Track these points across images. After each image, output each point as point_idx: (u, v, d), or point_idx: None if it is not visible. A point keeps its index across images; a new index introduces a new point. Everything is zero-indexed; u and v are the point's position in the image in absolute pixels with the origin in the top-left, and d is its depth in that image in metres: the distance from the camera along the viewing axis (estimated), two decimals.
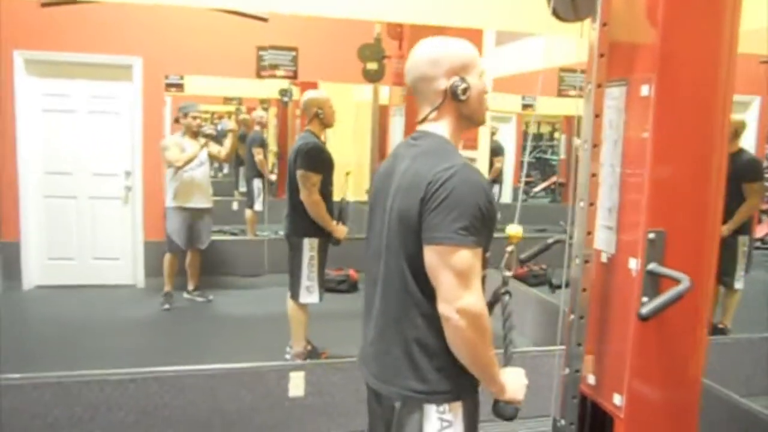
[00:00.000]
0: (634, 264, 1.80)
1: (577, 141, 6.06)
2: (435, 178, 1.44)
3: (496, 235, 1.52)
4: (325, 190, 3.80)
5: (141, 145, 5.78)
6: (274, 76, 5.91)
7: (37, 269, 5.70)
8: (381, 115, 6.11)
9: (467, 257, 1.40)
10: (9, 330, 4.45)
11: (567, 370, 1.88)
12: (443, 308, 1.42)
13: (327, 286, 3.98)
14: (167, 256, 5.25)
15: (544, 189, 10.95)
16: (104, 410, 2.82)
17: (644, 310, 1.63)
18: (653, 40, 1.73)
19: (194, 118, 5.25)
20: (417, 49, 1.59)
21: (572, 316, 1.84)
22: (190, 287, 5.47)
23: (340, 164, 3.98)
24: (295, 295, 3.82)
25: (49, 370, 2.91)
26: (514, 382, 1.56)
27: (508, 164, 8.87)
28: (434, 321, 1.46)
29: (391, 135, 6.29)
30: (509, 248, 1.70)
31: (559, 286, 2.12)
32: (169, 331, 4.82)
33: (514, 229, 1.70)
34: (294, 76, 5.95)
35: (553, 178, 10.89)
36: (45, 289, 5.64)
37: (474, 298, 1.40)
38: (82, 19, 5.30)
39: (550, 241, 2.25)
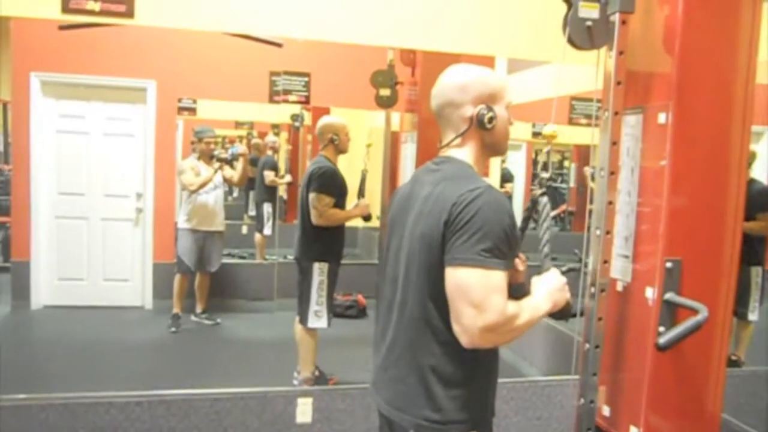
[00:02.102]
0: (650, 293, 1.77)
1: (588, 169, 6.06)
2: (460, 199, 1.43)
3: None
4: None
5: (153, 167, 5.80)
6: (286, 101, 5.91)
7: (46, 289, 5.69)
8: (392, 142, 6.11)
9: (485, 278, 1.38)
10: (16, 349, 4.44)
11: (582, 401, 1.85)
12: (464, 340, 1.40)
13: (334, 312, 3.95)
14: (177, 277, 5.25)
15: (554, 217, 10.91)
16: None
17: (662, 340, 1.60)
18: (670, 68, 1.73)
19: (208, 143, 5.32)
20: (446, 75, 1.59)
21: (587, 346, 1.81)
22: (198, 309, 5.47)
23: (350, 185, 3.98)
24: (303, 320, 3.79)
25: (55, 391, 2.89)
26: (554, 292, 1.55)
27: (518, 191, 8.84)
28: (452, 349, 1.44)
29: (402, 161, 6.29)
30: (546, 149, 1.70)
31: (573, 315, 2.09)
32: (176, 353, 4.79)
33: (550, 129, 1.69)
34: (306, 101, 5.95)
35: (563, 207, 10.85)
36: (53, 309, 5.62)
37: (491, 315, 1.36)
38: (98, 42, 5.34)
39: (563, 269, 2.22)
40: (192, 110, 6.31)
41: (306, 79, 5.83)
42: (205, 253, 5.31)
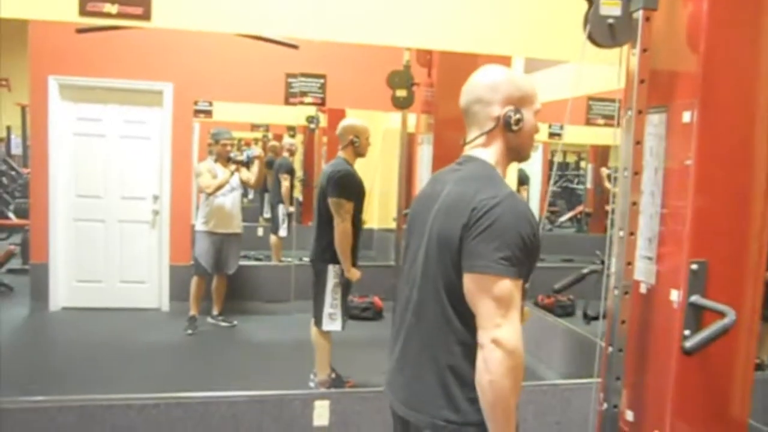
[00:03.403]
0: (675, 296, 1.74)
1: (605, 170, 5.98)
2: (480, 204, 1.41)
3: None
4: (356, 218, 3.76)
5: (169, 170, 5.81)
6: (302, 103, 5.89)
7: (64, 291, 5.72)
8: (408, 143, 6.10)
9: (507, 288, 1.37)
10: (35, 351, 4.47)
11: (605, 405, 1.81)
12: (480, 335, 1.38)
13: (351, 314, 3.92)
14: (194, 279, 5.26)
15: (570, 219, 10.82)
16: None
17: (689, 344, 1.57)
18: (695, 65, 1.70)
19: (224, 145, 5.31)
20: (478, 72, 1.59)
21: (610, 349, 1.78)
22: (215, 312, 5.46)
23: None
24: (318, 322, 3.76)
25: (73, 393, 2.90)
26: None
27: (534, 193, 8.78)
28: (471, 350, 1.42)
29: (418, 163, 6.27)
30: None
31: (595, 318, 2.06)
32: (192, 355, 4.79)
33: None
34: (322, 103, 5.93)
35: (579, 208, 10.77)
36: (71, 311, 5.64)
37: (510, 331, 1.36)
38: (115, 45, 5.37)
39: (585, 271, 2.20)
40: (208, 113, 6.35)
41: (322, 80, 5.81)
42: (222, 255, 5.30)
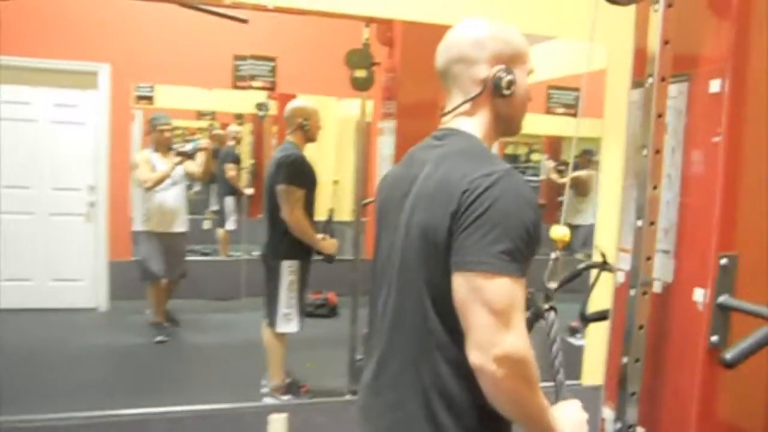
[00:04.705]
0: (700, 295, 1.48)
1: (550, 163, 5.76)
2: (472, 186, 1.12)
3: None
4: (308, 208, 3.51)
5: (106, 158, 5.38)
6: (251, 87, 5.59)
7: None
8: (367, 133, 5.82)
9: (508, 288, 1.08)
10: None
11: (618, 425, 1.55)
12: (475, 357, 1.08)
13: (304, 311, 3.64)
14: (148, 287, 4.81)
15: None
16: None
17: (729, 355, 1.31)
18: (727, 25, 1.44)
19: (162, 131, 4.81)
20: (458, 28, 1.30)
21: (626, 359, 1.51)
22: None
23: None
24: (272, 323, 3.50)
25: None
26: (572, 422, 1.23)
27: None
28: (461, 368, 1.13)
29: (377, 154, 6.00)
30: (554, 254, 1.38)
31: (596, 319, 1.81)
32: (129, 362, 4.41)
33: (561, 232, 1.37)
34: (272, 88, 5.66)
35: None
36: None
37: (516, 339, 1.07)
38: (45, 22, 4.94)
39: (581, 266, 1.94)
40: (150, 99, 5.92)
41: (272, 63, 5.54)
42: (170, 257, 4.82)
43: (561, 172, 7.80)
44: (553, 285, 1.37)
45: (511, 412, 1.14)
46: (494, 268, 1.07)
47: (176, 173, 4.79)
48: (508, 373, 1.06)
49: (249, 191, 6.96)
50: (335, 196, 6.72)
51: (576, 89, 5.94)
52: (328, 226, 3.64)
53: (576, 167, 6.65)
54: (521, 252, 1.09)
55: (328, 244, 3.57)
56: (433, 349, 1.18)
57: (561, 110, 6.27)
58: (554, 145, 8.90)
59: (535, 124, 7.45)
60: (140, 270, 4.77)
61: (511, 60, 1.26)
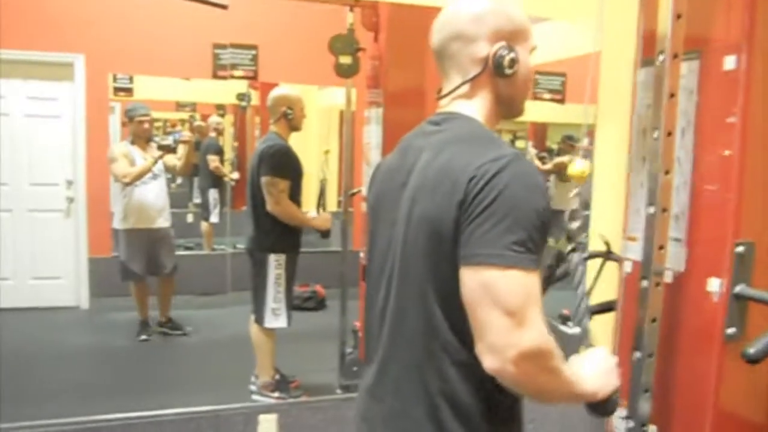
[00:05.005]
0: (715, 285, 1.40)
1: (533, 150, 5.67)
2: (480, 172, 1.02)
3: None
4: (294, 200, 3.41)
5: (84, 152, 5.22)
6: (232, 77, 5.45)
7: None
8: (352, 123, 5.71)
9: (522, 283, 0.98)
10: None
11: (630, 423, 1.46)
12: (490, 362, 0.99)
13: (292, 304, 3.54)
14: (131, 287, 4.62)
15: None
16: None
17: (752, 350, 1.22)
18: None
19: (140, 122, 4.56)
20: (455, 3, 1.19)
21: (637, 355, 1.42)
22: (162, 318, 4.79)
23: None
24: (259, 319, 3.39)
25: None
26: (601, 373, 1.16)
27: None
28: (471, 371, 1.05)
29: (364, 146, 5.90)
30: (574, 191, 1.29)
31: (600, 311, 1.73)
32: (115, 362, 4.27)
33: (580, 167, 1.28)
34: (254, 77, 5.49)
35: None
36: None
37: (532, 334, 0.98)
38: (16, 11, 4.76)
39: (584, 255, 1.85)
40: (128, 91, 5.75)
41: (253, 51, 5.39)
42: (152, 255, 4.60)
43: (542, 159, 7.75)
44: (575, 225, 1.29)
45: (539, 400, 1.09)
46: (508, 262, 0.98)
47: (157, 167, 4.55)
48: (528, 370, 0.99)
49: (235, 176, 6.82)
50: (327, 166, 6.62)
51: (562, 74, 5.86)
52: (321, 199, 3.55)
53: (558, 153, 6.59)
54: (534, 242, 1.00)
55: (320, 220, 3.52)
56: (439, 351, 1.09)
57: (548, 96, 6.19)
58: (539, 133, 8.83)
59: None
60: (121, 270, 4.56)
61: (513, 37, 1.16)
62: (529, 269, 0.99)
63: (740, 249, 1.36)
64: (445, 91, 1.20)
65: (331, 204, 6.03)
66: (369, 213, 1.29)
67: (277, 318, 3.38)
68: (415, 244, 1.11)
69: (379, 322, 1.21)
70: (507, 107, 1.21)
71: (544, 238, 1.03)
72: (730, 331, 1.36)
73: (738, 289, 1.37)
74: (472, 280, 1.01)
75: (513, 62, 1.14)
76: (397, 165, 1.22)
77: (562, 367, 1.04)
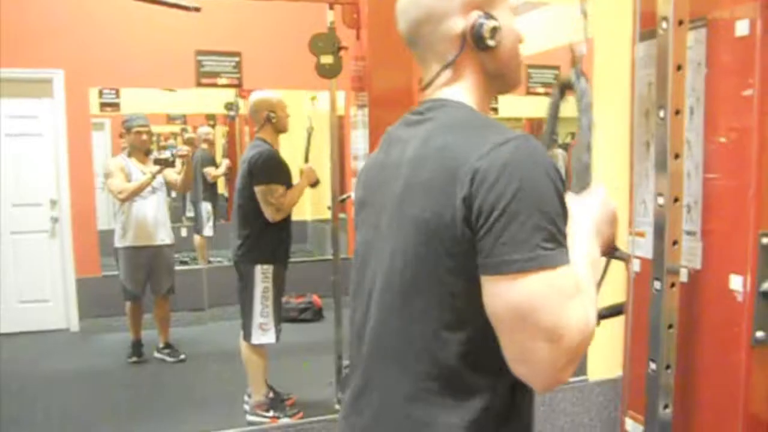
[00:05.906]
0: (738, 283, 1.23)
1: None
2: (486, 162, 0.85)
3: None
4: None
5: (67, 169, 5.10)
6: (216, 85, 5.35)
7: None
8: (339, 127, 5.60)
9: (559, 285, 0.84)
10: None
11: None
12: (540, 385, 0.89)
13: (288, 316, 3.46)
14: (127, 305, 4.43)
15: None
16: None
17: None
18: None
19: (138, 133, 4.37)
20: None
21: (653, 366, 1.25)
22: (160, 344, 4.57)
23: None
24: (247, 336, 3.26)
25: None
26: (601, 227, 1.06)
27: None
28: (476, 398, 0.91)
29: (351, 148, 5.78)
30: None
31: (609, 315, 1.56)
32: (106, 386, 4.10)
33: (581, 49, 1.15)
34: (239, 84, 5.42)
35: None
36: None
37: (574, 332, 0.84)
38: None
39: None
40: (115, 105, 5.63)
41: (237, 58, 5.33)
42: (151, 274, 4.41)
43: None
44: (583, 48, 1.14)
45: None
46: (539, 264, 0.83)
47: (156, 180, 4.34)
48: (579, 355, 0.88)
49: (226, 161, 6.81)
50: (311, 193, 6.53)
51: (556, 67, 5.73)
52: (307, 154, 3.69)
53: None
54: (560, 230, 0.86)
55: (306, 175, 3.53)
56: (439, 379, 0.92)
57: (542, 90, 6.06)
58: (534, 129, 8.70)
59: (515, 106, 7.26)
60: (123, 290, 4.38)
61: (488, 1, 0.99)
62: (562, 266, 0.84)
63: (766, 240, 1.19)
64: (426, 81, 1.03)
65: (320, 210, 5.91)
66: (356, 216, 1.12)
67: (265, 333, 3.25)
68: (405, 251, 0.93)
69: (358, 342, 1.04)
70: (500, 82, 1.03)
71: (566, 221, 0.88)
72: (760, 335, 1.19)
73: (766, 286, 1.20)
74: (505, 294, 0.85)
75: (494, 31, 0.96)
76: (381, 162, 1.05)
77: (589, 288, 0.92)
